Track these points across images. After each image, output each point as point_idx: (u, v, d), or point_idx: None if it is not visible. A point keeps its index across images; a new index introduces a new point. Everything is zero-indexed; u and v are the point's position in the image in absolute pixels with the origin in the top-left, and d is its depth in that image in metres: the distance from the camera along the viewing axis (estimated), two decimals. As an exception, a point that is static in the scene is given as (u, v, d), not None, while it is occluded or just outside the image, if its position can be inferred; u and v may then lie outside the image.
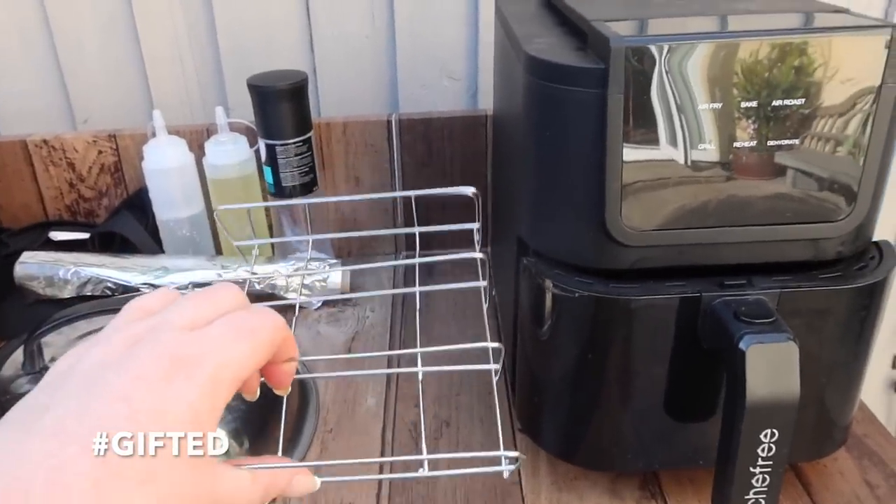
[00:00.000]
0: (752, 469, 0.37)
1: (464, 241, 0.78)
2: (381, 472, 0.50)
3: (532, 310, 0.44)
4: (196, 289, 0.62)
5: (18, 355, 0.52)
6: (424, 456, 0.31)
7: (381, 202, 0.78)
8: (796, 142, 0.37)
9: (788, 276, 0.40)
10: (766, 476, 0.37)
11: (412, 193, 0.43)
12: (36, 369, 0.50)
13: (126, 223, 0.71)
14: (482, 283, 0.37)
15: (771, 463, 0.37)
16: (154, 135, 0.69)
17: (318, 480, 0.30)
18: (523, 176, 0.44)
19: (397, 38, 0.80)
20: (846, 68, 0.36)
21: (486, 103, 0.81)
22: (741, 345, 0.36)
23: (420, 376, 0.35)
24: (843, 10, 0.40)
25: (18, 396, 0.46)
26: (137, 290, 0.64)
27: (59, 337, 0.54)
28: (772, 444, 0.36)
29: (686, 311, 0.40)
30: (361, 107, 0.82)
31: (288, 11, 0.78)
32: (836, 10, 0.41)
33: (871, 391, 1.07)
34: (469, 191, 0.41)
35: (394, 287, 0.73)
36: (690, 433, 0.44)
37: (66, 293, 0.66)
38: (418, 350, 0.35)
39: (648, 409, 0.43)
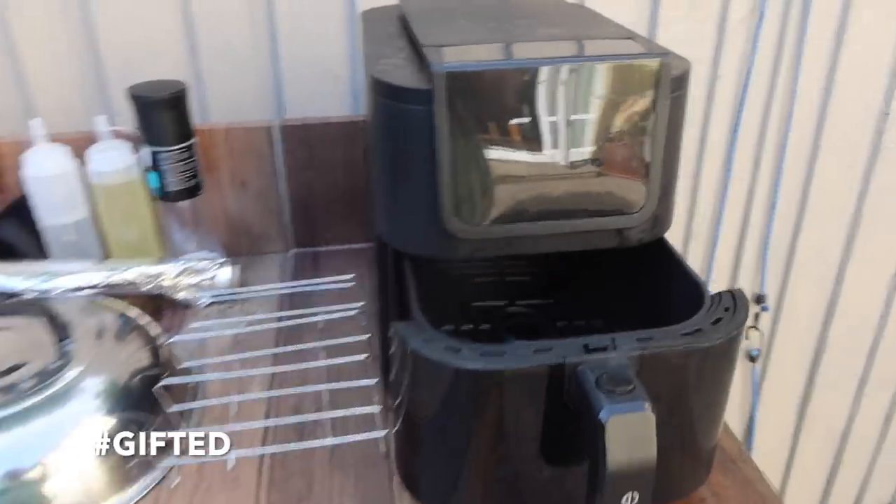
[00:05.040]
0: None
1: (348, 232, 0.84)
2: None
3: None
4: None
5: None
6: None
7: (266, 202, 0.82)
8: (594, 148, 0.44)
9: (649, 336, 0.42)
10: None
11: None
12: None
13: (9, 230, 0.73)
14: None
15: None
16: (33, 142, 0.71)
17: None
18: (377, 182, 0.50)
19: (280, 46, 0.84)
20: (628, 87, 0.43)
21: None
22: (601, 415, 0.37)
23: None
24: (631, 37, 0.48)
25: None
26: (22, 294, 0.66)
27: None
28: None
29: (552, 375, 0.41)
30: (250, 112, 0.86)
31: (168, 21, 0.81)
32: (626, 35, 0.48)
33: (729, 362, 1.20)
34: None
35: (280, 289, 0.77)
36: (564, 489, 0.46)
37: (-53, 300, 0.67)
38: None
39: (521, 465, 0.44)
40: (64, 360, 0.54)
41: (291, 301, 0.73)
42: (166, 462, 0.53)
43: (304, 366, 0.58)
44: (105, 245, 0.76)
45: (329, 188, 0.82)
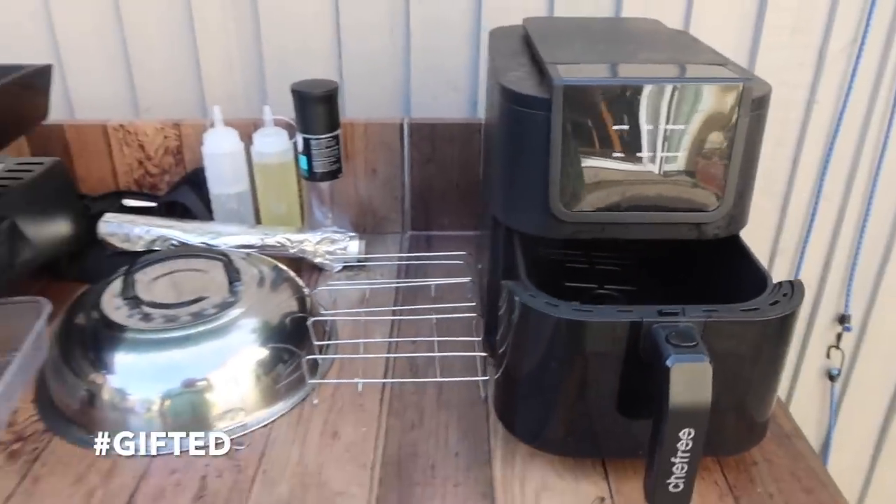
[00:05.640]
0: (672, 459, 0.47)
1: (463, 220, 0.95)
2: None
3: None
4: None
5: (114, 286, 0.69)
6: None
7: (391, 189, 0.95)
8: (681, 155, 0.54)
9: (714, 309, 0.51)
10: (684, 465, 0.47)
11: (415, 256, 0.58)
12: (129, 296, 0.67)
13: (187, 195, 0.89)
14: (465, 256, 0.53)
15: (689, 455, 0.46)
16: (213, 125, 0.86)
17: None
18: (497, 171, 0.61)
19: (412, 56, 0.97)
20: (715, 105, 0.52)
21: (484, 113, 0.98)
22: (667, 362, 0.46)
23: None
24: (723, 63, 0.56)
25: (114, 313, 0.62)
26: (196, 246, 0.81)
27: (144, 275, 0.71)
28: (689, 441, 0.46)
29: (630, 332, 0.50)
30: (380, 111, 0.99)
31: (321, 28, 0.95)
32: (719, 62, 0.57)
33: (808, 379, 1.24)
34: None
35: (399, 260, 0.90)
36: (633, 429, 0.54)
37: (139, 247, 0.83)
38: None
39: (600, 408, 0.53)
40: (235, 297, 0.68)
41: (408, 272, 0.85)
42: (310, 384, 0.66)
43: (419, 317, 0.70)
44: (257, 214, 0.91)
45: (445, 181, 0.94)
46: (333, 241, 0.85)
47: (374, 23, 0.94)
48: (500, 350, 0.58)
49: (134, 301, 0.67)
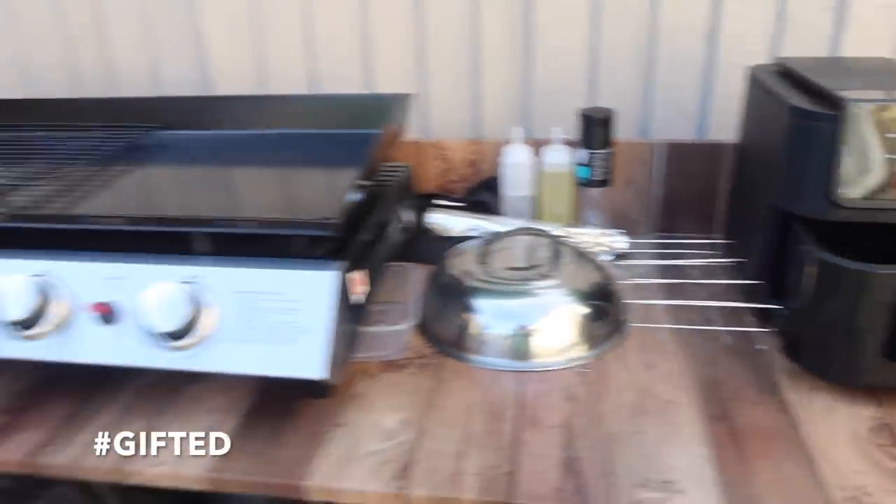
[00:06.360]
0: None
1: (699, 224, 1.14)
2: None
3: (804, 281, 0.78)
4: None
5: (470, 255, 0.95)
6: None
7: (641, 197, 1.16)
8: (941, 156, 0.72)
9: None
10: None
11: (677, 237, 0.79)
12: (484, 262, 0.92)
13: (485, 196, 1.15)
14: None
15: None
16: (512, 142, 1.12)
17: None
18: (782, 172, 0.81)
19: (658, 94, 1.18)
20: (972, 120, 0.70)
21: (713, 135, 1.18)
22: None
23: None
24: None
25: (476, 272, 0.87)
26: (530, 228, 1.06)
27: (492, 247, 0.96)
28: None
29: None
30: (624, 133, 1.21)
31: (578, 60, 1.18)
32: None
33: None
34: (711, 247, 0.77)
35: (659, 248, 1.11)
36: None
37: (455, 234, 1.09)
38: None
39: (878, 344, 0.71)
40: (557, 266, 0.91)
41: (665, 257, 1.06)
42: (627, 328, 0.88)
43: (687, 282, 0.92)
44: (537, 213, 1.15)
45: (688, 191, 1.15)
46: (607, 235, 1.07)
47: (624, 56, 1.17)
48: (794, 302, 0.78)
49: (487, 265, 0.92)
